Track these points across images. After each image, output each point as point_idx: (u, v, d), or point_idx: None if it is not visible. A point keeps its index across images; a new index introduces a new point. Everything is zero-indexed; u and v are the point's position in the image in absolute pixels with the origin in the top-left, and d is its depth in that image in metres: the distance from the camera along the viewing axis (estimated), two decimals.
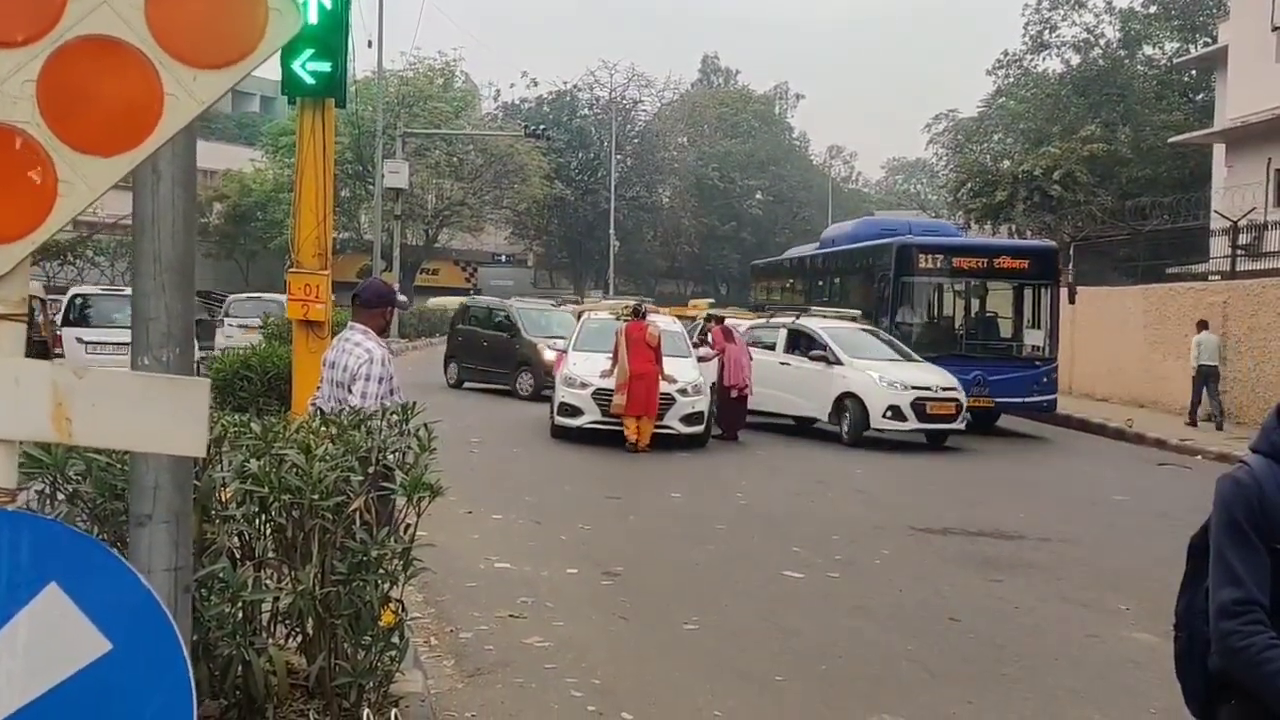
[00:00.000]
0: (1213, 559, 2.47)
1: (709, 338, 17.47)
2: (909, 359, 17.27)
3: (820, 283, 25.70)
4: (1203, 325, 19.31)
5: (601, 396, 14.91)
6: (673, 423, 14.99)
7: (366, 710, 4.17)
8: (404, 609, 4.44)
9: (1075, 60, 41.79)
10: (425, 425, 4.54)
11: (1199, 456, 16.09)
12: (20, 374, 1.81)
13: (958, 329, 20.05)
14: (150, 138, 1.87)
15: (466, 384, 22.78)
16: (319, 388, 5.96)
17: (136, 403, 1.86)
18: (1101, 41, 41.70)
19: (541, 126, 45.19)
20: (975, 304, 20.66)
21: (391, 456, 4.36)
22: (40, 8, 1.80)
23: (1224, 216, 22.92)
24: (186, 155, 2.73)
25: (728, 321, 18.10)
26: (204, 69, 1.87)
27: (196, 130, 2.47)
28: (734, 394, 16.33)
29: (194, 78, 1.86)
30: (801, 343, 17.58)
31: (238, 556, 4.09)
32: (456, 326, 24.08)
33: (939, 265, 19.74)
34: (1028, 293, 20.10)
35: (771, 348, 17.96)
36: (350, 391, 5.48)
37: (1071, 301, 20.31)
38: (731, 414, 16.38)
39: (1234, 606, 2.38)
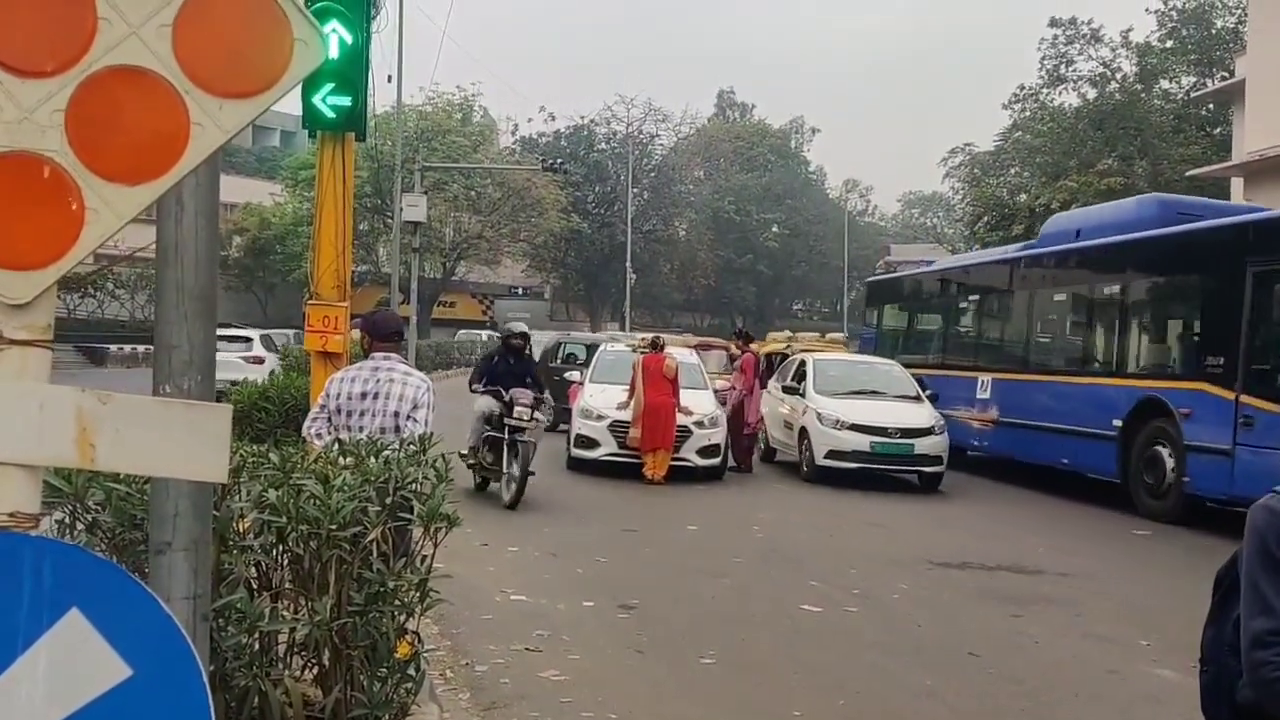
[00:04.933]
0: (1244, 589, 2.43)
1: (739, 364, 17.16)
2: None
3: (1059, 298, 16.88)
4: None
5: (618, 429, 14.89)
6: (689, 455, 14.96)
7: None
8: (420, 641, 4.43)
9: (1092, 94, 41.85)
10: (442, 456, 4.55)
11: None
12: (45, 399, 1.82)
13: None
14: (176, 166, 1.88)
15: (563, 427, 20.79)
16: (315, 419, 5.98)
17: (160, 429, 1.87)
18: (1118, 76, 41.77)
19: (559, 160, 45.49)
20: None
21: (410, 487, 4.36)
22: (69, 38, 1.83)
23: None
24: (210, 187, 2.76)
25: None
26: (230, 98, 1.89)
27: (219, 162, 2.49)
28: (745, 430, 16.32)
29: (220, 107, 1.88)
30: None
31: (255, 587, 4.09)
32: (549, 365, 21.51)
33: None
34: None
35: None
36: (413, 419, 5.76)
37: None
38: (742, 447, 16.37)
39: (1267, 637, 2.33)
